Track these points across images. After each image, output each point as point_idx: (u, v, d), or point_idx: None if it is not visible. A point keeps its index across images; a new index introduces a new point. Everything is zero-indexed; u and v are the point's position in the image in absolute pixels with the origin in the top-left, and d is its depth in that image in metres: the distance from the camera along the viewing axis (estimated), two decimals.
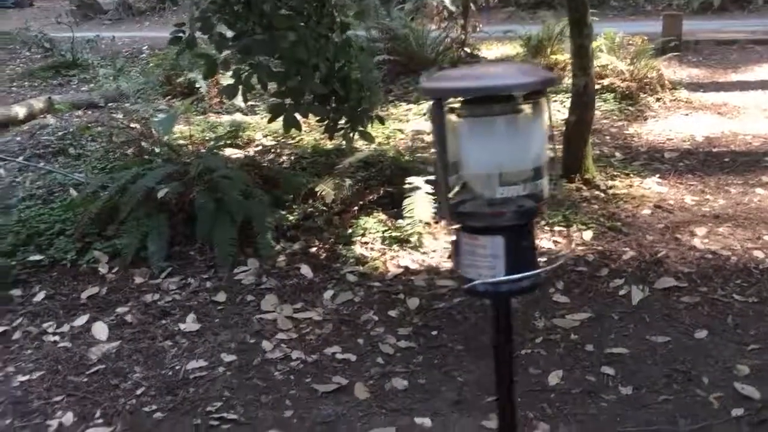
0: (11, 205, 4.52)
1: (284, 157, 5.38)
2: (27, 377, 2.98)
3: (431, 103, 1.28)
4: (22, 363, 3.08)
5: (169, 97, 7.92)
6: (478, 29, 8.69)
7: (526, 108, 1.26)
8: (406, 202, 4.12)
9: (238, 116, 6.94)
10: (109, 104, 7.75)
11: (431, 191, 4.07)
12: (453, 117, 1.31)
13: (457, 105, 1.30)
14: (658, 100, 6.77)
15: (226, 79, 6.71)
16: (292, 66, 4.30)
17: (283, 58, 4.32)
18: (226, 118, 6.89)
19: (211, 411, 2.75)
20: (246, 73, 4.34)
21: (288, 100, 4.43)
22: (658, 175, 4.90)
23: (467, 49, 8.14)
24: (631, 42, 7.47)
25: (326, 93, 4.48)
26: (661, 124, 6.23)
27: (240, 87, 4.38)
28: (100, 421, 2.70)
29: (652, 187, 4.71)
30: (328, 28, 4.51)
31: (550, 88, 1.34)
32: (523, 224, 1.35)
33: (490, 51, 8.95)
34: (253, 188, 4.26)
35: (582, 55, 4.55)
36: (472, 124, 1.27)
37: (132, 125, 6.47)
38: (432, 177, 4.20)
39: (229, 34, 4.34)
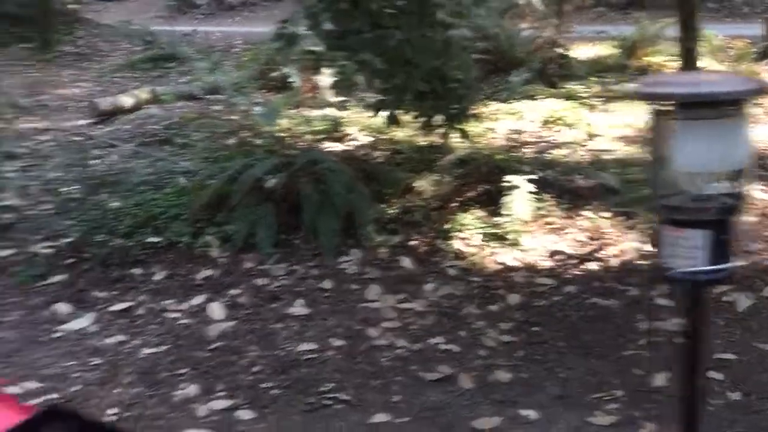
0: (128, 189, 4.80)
1: (379, 153, 5.51)
2: (153, 350, 3.20)
3: (650, 106, 1.37)
4: (148, 337, 3.31)
5: (264, 90, 8.18)
6: (570, 30, 8.63)
7: (734, 113, 1.36)
8: (505, 199, 4.19)
9: (329, 111, 7.12)
10: (208, 96, 8.06)
11: (532, 189, 4.12)
12: (665, 119, 1.41)
13: (669, 108, 1.40)
14: (758, 105, 6.58)
15: (322, 76, 6.93)
16: (396, 64, 4.42)
17: (388, 55, 4.44)
18: (318, 113, 7.07)
19: (324, 391, 2.90)
20: (352, 70, 4.50)
21: (390, 97, 4.57)
22: (762, 183, 4.79)
23: (558, 50, 8.09)
24: (730, 45, 7.29)
25: (427, 91, 4.59)
26: (763, 130, 6.06)
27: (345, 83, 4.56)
28: (222, 394, 2.89)
29: (756, 194, 4.61)
30: (429, 27, 4.62)
31: None
32: (724, 219, 1.45)
33: (580, 51, 8.86)
34: (355, 181, 4.41)
35: (688, 58, 4.49)
36: (684, 126, 1.37)
37: (232, 117, 6.75)
38: (534, 176, 4.26)
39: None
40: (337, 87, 4.69)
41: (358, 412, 2.78)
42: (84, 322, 3.42)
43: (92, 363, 3.10)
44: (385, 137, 5.90)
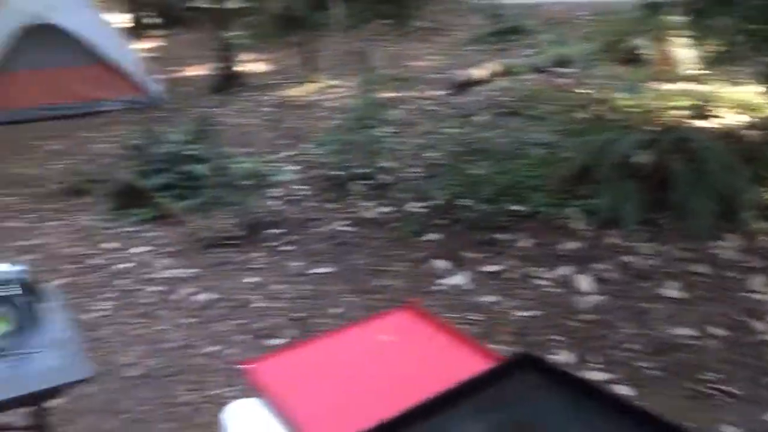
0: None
1: (755, 132, 5.00)
2: (524, 313, 3.33)
3: None
4: (519, 300, 3.45)
5: (613, 63, 7.92)
6: None
7: None
8: None
9: (688, 86, 6.64)
10: (555, 69, 8.06)
11: None
12: None
13: None
14: None
15: (679, 47, 6.50)
16: None
17: None
18: (674, 87, 6.64)
19: (707, 380, 2.76)
20: (737, 41, 4.14)
21: None
22: None
23: None
24: None
25: None
26: None
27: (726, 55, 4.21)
28: (600, 366, 2.90)
29: None
30: None
31: None
32: None
33: None
34: (733, 162, 4.07)
35: None
36: None
37: (583, 90, 6.68)
38: None
39: None
40: (716, 60, 4.34)
41: (751, 406, 2.60)
42: (460, 279, 3.68)
43: (470, 318, 3.33)
44: (761, 115, 5.34)
